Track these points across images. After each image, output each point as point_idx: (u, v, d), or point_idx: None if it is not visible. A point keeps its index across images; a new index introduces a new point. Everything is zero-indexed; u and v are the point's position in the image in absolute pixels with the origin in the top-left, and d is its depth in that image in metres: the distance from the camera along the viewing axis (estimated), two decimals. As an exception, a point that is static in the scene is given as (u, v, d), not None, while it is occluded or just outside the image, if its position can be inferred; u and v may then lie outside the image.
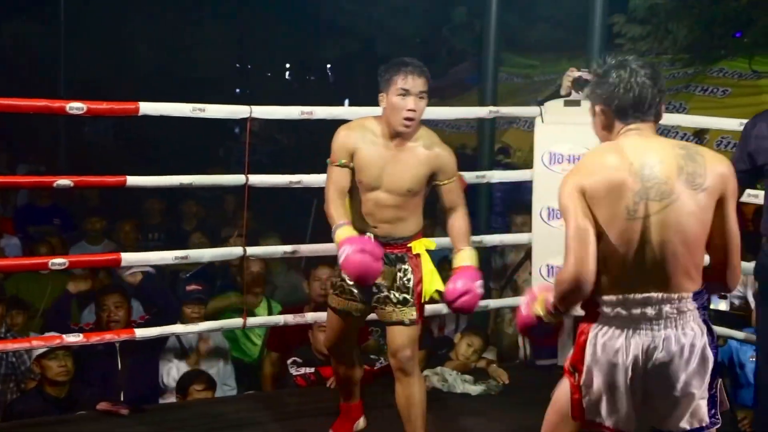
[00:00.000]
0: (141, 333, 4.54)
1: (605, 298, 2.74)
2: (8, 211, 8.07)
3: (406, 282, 3.87)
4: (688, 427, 2.77)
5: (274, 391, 5.29)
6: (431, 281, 3.95)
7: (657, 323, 2.71)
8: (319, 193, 6.21)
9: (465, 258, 3.86)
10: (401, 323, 3.85)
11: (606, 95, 2.80)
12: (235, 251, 4.78)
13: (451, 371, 5.14)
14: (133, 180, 4.37)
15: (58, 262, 4.34)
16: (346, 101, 9.91)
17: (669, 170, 2.70)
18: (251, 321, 4.86)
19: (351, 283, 3.87)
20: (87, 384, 4.83)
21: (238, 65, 12.80)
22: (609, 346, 2.75)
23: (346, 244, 3.58)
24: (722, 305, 4.69)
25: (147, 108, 4.34)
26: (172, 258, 4.58)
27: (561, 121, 5.08)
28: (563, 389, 2.94)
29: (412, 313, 3.86)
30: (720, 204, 2.70)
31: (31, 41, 10.27)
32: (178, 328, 4.79)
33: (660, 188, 2.68)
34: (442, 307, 5.63)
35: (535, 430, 4.43)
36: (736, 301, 5.15)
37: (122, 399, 4.82)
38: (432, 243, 4.00)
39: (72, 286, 5.37)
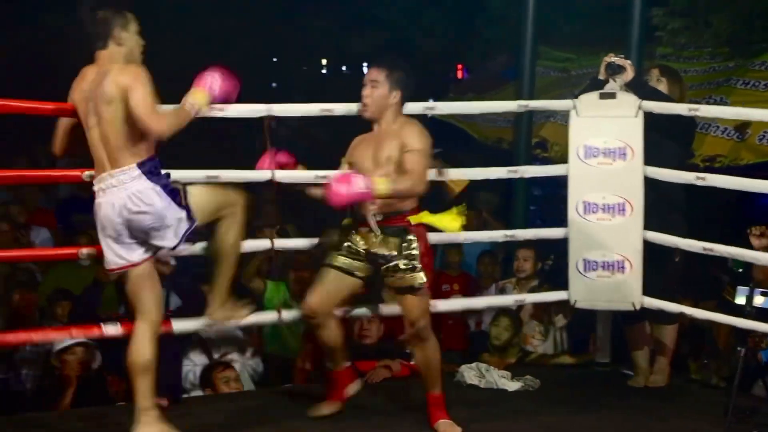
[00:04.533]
0: (178, 326, 4.54)
1: None
2: (50, 203, 8.13)
3: (412, 251, 4.14)
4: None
5: (310, 385, 5.29)
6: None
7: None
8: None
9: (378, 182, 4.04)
10: (411, 288, 4.13)
11: None
12: (263, 243, 4.78)
13: (488, 367, 5.12)
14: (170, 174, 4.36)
15: (86, 252, 4.38)
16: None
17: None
18: (287, 315, 4.85)
19: (362, 244, 4.22)
20: (120, 376, 4.86)
21: (275, 59, 12.80)
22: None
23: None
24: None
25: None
26: (201, 249, 4.57)
27: (596, 114, 5.03)
28: None
29: (421, 277, 4.14)
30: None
31: (71, 34, 10.35)
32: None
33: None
34: (476, 302, 5.63)
35: (569, 429, 4.43)
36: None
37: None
38: (429, 216, 4.22)
39: (104, 276, 5.40)
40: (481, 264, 6.84)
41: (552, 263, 6.25)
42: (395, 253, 4.17)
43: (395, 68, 4.28)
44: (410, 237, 4.18)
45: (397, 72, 4.27)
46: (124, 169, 3.76)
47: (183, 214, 3.84)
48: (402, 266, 4.15)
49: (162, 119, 3.74)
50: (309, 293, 4.32)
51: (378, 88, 4.24)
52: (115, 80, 3.72)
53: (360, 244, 4.25)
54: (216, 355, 5.35)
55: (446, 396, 4.37)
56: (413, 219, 4.20)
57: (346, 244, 4.28)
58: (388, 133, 4.24)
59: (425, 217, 4.22)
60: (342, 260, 4.28)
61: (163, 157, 3.93)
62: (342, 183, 3.94)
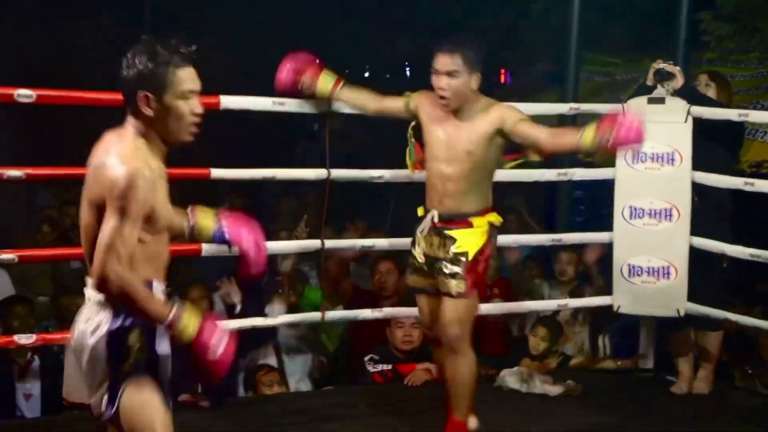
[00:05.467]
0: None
1: None
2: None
3: (459, 257, 3.88)
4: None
5: (349, 387, 5.30)
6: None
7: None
8: (398, 189, 6.23)
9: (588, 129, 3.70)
10: (449, 294, 3.89)
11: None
12: (312, 244, 4.79)
13: (530, 372, 5.09)
14: (217, 173, 4.40)
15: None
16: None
17: None
18: (330, 315, 4.86)
19: (421, 258, 3.99)
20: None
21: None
22: None
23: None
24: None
25: (228, 102, 4.36)
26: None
27: (645, 119, 4.98)
28: None
29: (460, 286, 3.87)
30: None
31: (114, 38, 10.45)
32: (257, 321, 4.80)
33: None
34: (519, 306, 5.60)
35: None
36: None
37: (200, 391, 4.86)
38: (499, 218, 4.00)
39: None
40: (528, 268, 6.81)
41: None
42: (441, 255, 3.92)
43: (469, 48, 3.83)
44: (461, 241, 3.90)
45: (472, 52, 3.82)
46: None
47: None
48: (445, 270, 3.92)
49: (117, 267, 2.55)
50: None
51: (457, 78, 3.81)
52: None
53: (419, 255, 4.02)
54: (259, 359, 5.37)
55: (487, 401, 4.36)
56: (476, 221, 3.92)
57: (410, 260, 4.08)
58: (471, 122, 3.85)
59: (496, 218, 3.97)
60: (413, 280, 4.10)
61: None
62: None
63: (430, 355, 5.20)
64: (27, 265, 5.67)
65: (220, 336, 2.67)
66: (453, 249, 3.89)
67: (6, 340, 4.31)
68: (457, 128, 3.86)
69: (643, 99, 5.02)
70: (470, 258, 3.88)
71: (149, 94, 2.65)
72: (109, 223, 2.54)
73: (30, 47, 9.26)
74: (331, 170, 4.54)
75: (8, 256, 4.10)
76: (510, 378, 5.03)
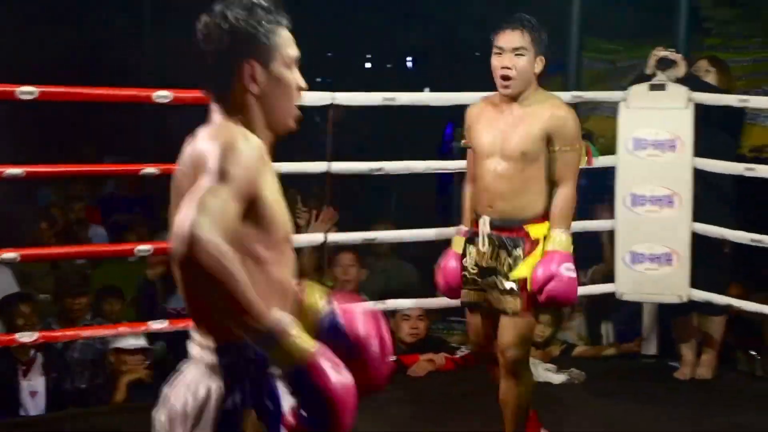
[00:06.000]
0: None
1: None
2: (96, 201, 8.24)
3: (513, 269, 3.56)
4: None
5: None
6: (524, 266, 3.58)
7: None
8: (400, 181, 6.23)
9: (552, 242, 3.52)
10: (504, 312, 3.57)
11: None
12: (315, 238, 4.80)
13: (533, 360, 5.10)
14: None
15: (144, 248, 4.42)
16: (426, 89, 9.87)
17: None
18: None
19: (473, 269, 3.65)
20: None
21: (326, 54, 12.84)
22: None
23: None
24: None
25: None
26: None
27: (646, 106, 5.00)
28: None
29: (516, 304, 3.53)
30: None
31: (115, 33, 10.46)
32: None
33: None
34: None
35: (617, 422, 4.42)
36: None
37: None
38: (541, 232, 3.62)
39: (150, 273, 5.46)
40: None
41: None
42: (498, 268, 3.57)
43: (539, 29, 3.51)
44: (518, 254, 3.55)
45: (542, 33, 3.51)
46: None
47: None
48: (500, 286, 3.57)
49: (210, 230, 1.75)
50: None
51: (524, 56, 3.46)
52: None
53: (471, 266, 3.67)
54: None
55: (490, 390, 4.36)
56: (533, 229, 3.57)
57: (463, 273, 3.71)
58: (526, 114, 3.52)
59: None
60: (465, 294, 3.74)
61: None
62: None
63: (433, 346, 5.25)
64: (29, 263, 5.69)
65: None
66: (510, 262, 3.55)
67: (8, 338, 4.32)
68: (512, 126, 3.53)
69: (645, 86, 5.02)
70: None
71: (256, 63, 1.96)
72: (203, 181, 1.80)
73: (33, 44, 9.27)
74: (331, 163, 4.55)
75: (10, 255, 4.11)
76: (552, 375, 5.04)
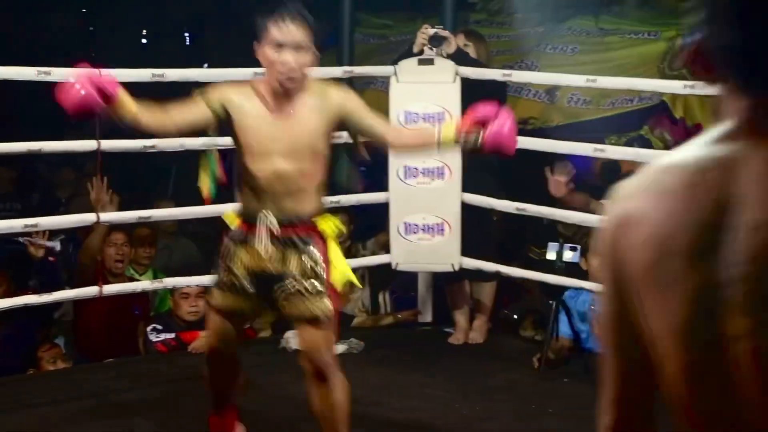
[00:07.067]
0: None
1: None
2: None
3: (315, 268, 3.30)
4: None
5: (133, 357, 5.22)
6: (343, 268, 3.42)
7: None
8: (177, 158, 6.13)
9: (448, 125, 3.47)
10: (316, 319, 3.28)
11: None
12: (87, 218, 4.67)
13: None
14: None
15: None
16: (205, 65, 9.70)
17: None
18: (107, 289, 4.76)
19: (243, 276, 3.32)
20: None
21: (91, 28, 12.38)
22: None
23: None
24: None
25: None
26: (22, 226, 4.44)
27: (416, 80, 5.14)
28: None
29: (328, 307, 3.30)
30: None
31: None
32: (32, 299, 4.65)
33: None
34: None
35: (396, 388, 4.56)
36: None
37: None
38: (341, 224, 3.55)
39: None
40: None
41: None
42: (295, 272, 3.29)
43: (311, 20, 3.28)
44: (312, 250, 3.30)
45: (314, 24, 3.29)
46: None
47: None
48: (304, 290, 3.27)
49: None
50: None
51: (306, 53, 3.24)
52: None
53: (240, 270, 3.33)
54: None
55: (271, 362, 4.39)
56: (321, 222, 3.36)
57: (226, 277, 3.35)
58: (304, 108, 3.30)
59: (340, 225, 3.50)
60: (224, 298, 3.38)
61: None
62: None
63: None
64: None
65: None
66: (308, 261, 3.30)
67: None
68: (294, 123, 3.29)
69: (414, 60, 5.15)
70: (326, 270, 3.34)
71: None
72: None
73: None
74: (101, 141, 4.42)
75: None
76: (293, 339, 5.08)
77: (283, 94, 3.28)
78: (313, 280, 3.29)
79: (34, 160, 7.73)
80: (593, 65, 6.94)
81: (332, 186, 6.71)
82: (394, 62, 5.21)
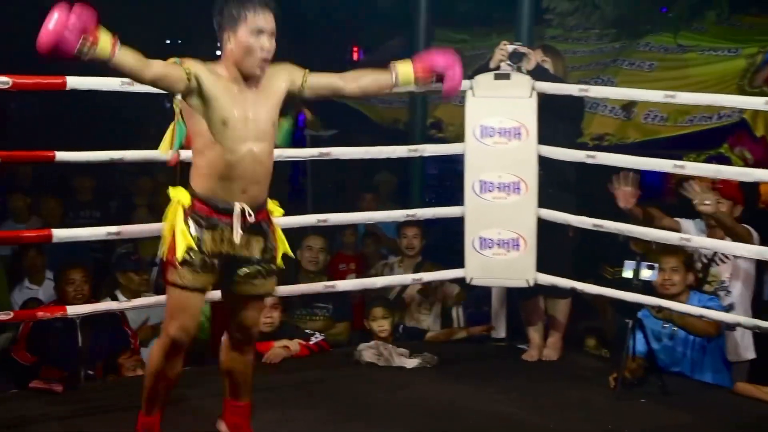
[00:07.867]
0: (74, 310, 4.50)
1: None
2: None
3: (272, 251, 3.54)
4: None
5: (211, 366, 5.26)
6: (284, 247, 3.63)
7: None
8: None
9: (405, 64, 3.66)
10: (268, 295, 3.69)
11: None
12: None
13: (386, 344, 5.17)
14: (62, 155, 4.29)
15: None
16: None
17: None
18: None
19: (212, 255, 3.39)
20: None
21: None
22: None
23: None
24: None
25: (74, 82, 4.24)
26: (105, 234, 4.51)
27: (491, 95, 5.12)
28: None
29: (275, 286, 3.64)
30: None
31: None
32: (113, 305, 4.74)
33: None
34: (375, 281, 5.65)
35: (470, 403, 4.53)
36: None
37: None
38: (280, 210, 3.64)
39: None
40: (366, 246, 6.96)
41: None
42: (257, 257, 3.49)
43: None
44: (268, 232, 3.52)
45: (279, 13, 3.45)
46: None
47: None
48: (263, 271, 3.51)
49: None
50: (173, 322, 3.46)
51: (273, 39, 3.40)
52: None
53: (207, 250, 3.40)
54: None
55: (345, 375, 4.38)
56: (271, 206, 3.57)
57: (197, 257, 3.38)
58: (265, 89, 3.44)
59: (278, 210, 3.63)
60: (194, 278, 3.40)
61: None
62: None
63: (286, 332, 5.26)
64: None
65: None
66: (267, 245, 3.51)
67: None
68: (259, 100, 3.42)
69: (490, 75, 5.13)
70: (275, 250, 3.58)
71: None
72: None
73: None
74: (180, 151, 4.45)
75: None
76: (366, 352, 5.10)
77: (247, 77, 3.39)
78: (270, 263, 3.53)
79: (111, 169, 7.87)
80: (671, 81, 6.85)
81: (407, 198, 6.81)
82: (470, 76, 5.20)
